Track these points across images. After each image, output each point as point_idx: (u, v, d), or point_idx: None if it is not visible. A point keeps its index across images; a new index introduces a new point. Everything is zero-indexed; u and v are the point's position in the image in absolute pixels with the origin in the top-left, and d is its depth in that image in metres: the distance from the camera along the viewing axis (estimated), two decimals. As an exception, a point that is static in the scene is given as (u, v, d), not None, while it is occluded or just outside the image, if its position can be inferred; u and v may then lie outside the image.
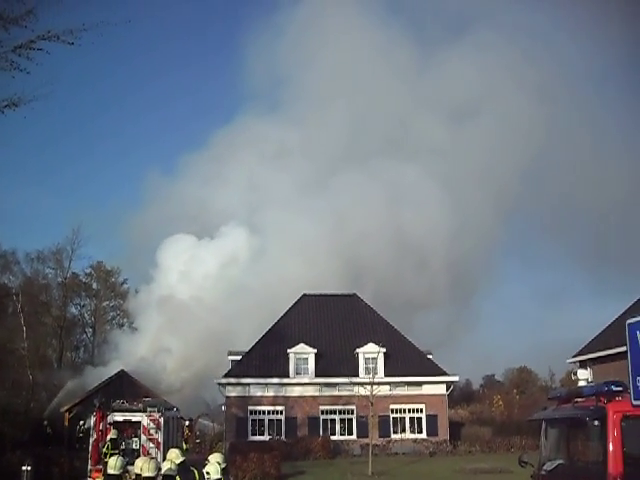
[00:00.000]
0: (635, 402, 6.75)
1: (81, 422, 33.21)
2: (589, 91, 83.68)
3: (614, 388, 9.58)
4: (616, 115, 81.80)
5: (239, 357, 45.29)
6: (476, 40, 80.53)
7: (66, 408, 41.68)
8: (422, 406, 44.02)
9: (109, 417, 23.82)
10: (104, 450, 22.08)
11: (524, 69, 79.06)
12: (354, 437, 43.11)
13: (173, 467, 10.02)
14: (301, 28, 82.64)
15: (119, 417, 24.12)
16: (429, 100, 78.80)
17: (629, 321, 7.23)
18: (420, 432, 43.79)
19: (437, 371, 44.64)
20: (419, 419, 44.10)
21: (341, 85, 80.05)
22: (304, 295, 49.58)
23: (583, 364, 38.93)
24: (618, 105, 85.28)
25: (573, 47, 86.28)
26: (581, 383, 18.78)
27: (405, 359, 45.12)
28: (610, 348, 31.99)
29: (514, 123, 74.74)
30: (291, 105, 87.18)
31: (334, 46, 78.95)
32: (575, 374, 24.76)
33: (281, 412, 43.51)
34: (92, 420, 24.17)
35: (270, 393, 43.56)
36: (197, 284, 56.26)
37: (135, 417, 24.37)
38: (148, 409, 24.57)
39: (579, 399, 10.65)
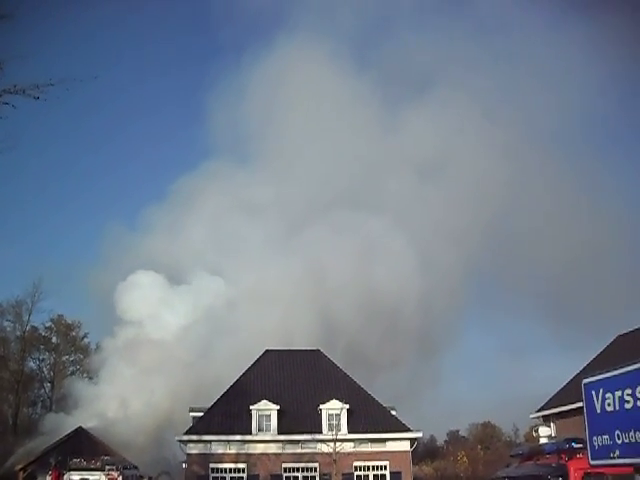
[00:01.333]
0: (593, 462, 6.85)
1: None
2: (555, 151, 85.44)
3: (574, 445, 9.69)
4: (579, 177, 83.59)
5: (201, 414, 44.52)
6: (441, 98, 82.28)
7: (20, 467, 40.41)
8: (386, 463, 43.51)
9: (65, 476, 23.28)
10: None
11: (489, 128, 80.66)
12: (318, 495, 42.37)
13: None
14: (267, 83, 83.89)
15: (76, 476, 23.60)
16: (396, 156, 79.90)
17: (585, 381, 7.38)
18: (384, 490, 43.22)
19: (401, 427, 44.31)
20: (383, 476, 43.53)
21: (309, 140, 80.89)
22: (267, 351, 49.20)
23: (546, 419, 39.16)
24: (581, 166, 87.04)
25: (538, 106, 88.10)
26: (543, 440, 18.81)
27: (369, 415, 44.77)
28: (572, 403, 32.33)
29: (478, 182, 76.04)
30: (259, 159, 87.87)
31: (301, 101, 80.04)
32: (536, 431, 24.79)
33: (243, 470, 42.66)
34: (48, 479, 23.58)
35: (232, 450, 42.74)
36: (160, 337, 55.56)
37: (93, 476, 23.89)
38: (106, 468, 24.11)
39: (541, 456, 10.72)
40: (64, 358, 71.06)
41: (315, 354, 49.56)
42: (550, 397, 40.85)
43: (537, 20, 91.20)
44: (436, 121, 79.06)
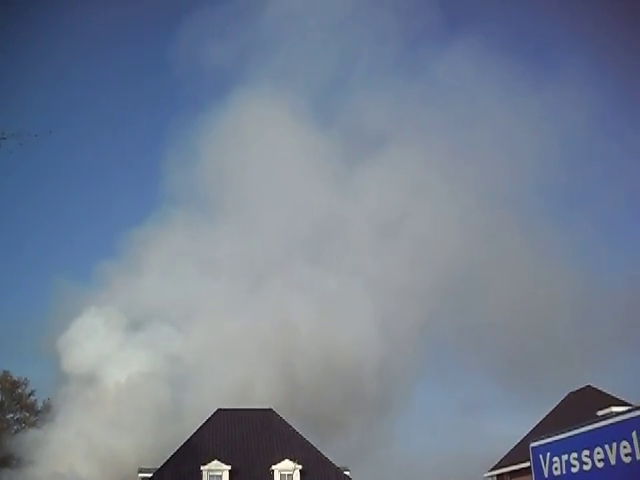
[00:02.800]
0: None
1: None
2: (510, 213, 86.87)
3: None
4: (532, 238, 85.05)
5: (150, 474, 43.41)
6: (399, 157, 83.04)
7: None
8: (339, 525, 42.83)
9: None
10: None
11: (446, 189, 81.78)
12: None
13: None
14: (225, 139, 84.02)
15: None
16: (356, 214, 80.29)
17: (532, 444, 7.40)
18: None
19: (354, 488, 43.77)
20: (336, 538, 42.79)
21: (269, 196, 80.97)
22: (219, 410, 48.42)
23: (500, 478, 39.10)
24: (535, 228, 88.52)
25: (494, 169, 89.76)
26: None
27: (322, 476, 44.09)
28: (523, 462, 32.33)
29: (436, 242, 76.82)
30: (218, 214, 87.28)
31: (261, 156, 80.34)
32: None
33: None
34: None
35: (182, 513, 41.66)
36: (108, 392, 54.55)
37: None
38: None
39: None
40: (9, 416, 68.76)
41: (268, 413, 48.89)
42: (504, 455, 40.85)
43: (494, 84, 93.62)
44: (394, 181, 79.96)
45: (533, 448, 7.05)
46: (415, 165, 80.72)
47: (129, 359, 57.50)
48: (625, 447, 7.39)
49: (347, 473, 45.54)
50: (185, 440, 45.57)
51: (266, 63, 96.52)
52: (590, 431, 7.33)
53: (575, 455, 6.85)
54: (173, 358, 59.03)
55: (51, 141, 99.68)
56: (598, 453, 7.25)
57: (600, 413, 32.64)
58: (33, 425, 63.44)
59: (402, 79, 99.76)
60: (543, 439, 7.29)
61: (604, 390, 41.88)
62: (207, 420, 47.54)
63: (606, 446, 7.26)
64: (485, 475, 42.09)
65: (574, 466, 6.83)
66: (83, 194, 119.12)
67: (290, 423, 48.51)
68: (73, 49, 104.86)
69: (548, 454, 7.19)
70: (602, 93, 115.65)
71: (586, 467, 6.91)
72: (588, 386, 43.41)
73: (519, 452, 37.08)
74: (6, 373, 68.14)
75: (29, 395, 69.71)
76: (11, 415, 69.19)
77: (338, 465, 45.84)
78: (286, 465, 42.39)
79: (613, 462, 7.28)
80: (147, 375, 56.12)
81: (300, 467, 41.27)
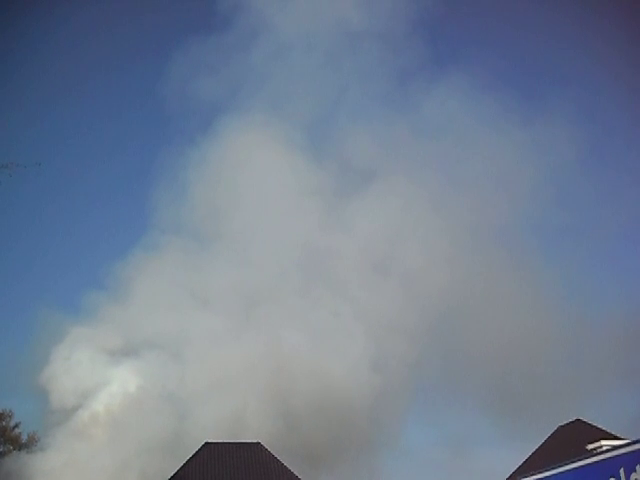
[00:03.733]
0: None
1: None
2: (502, 246, 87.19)
3: None
4: (522, 272, 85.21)
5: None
6: (391, 191, 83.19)
7: None
8: None
9: None
10: None
11: (439, 223, 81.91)
12: None
13: None
14: (217, 170, 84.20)
15: None
16: (349, 247, 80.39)
17: (520, 482, 7.33)
18: None
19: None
20: None
21: (261, 227, 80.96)
22: (206, 443, 47.90)
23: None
24: (525, 262, 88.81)
25: (487, 202, 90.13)
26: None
27: (310, 511, 43.62)
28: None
29: (428, 277, 76.84)
30: (210, 243, 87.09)
31: (255, 186, 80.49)
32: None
33: None
34: None
35: None
36: (95, 425, 54.07)
37: None
38: None
39: None
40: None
41: (256, 447, 48.39)
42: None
43: (483, 119, 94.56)
44: (384, 214, 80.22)
45: (521, 485, 6.98)
46: (405, 199, 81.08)
47: (116, 391, 57.08)
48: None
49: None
50: (171, 474, 45.01)
51: (256, 97, 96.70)
52: (576, 468, 7.27)
53: (562, 493, 6.78)
54: (162, 390, 58.60)
55: (40, 173, 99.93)
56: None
57: (590, 447, 32.56)
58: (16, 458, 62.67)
59: (391, 113, 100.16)
60: (531, 476, 7.23)
61: (594, 423, 41.83)
62: (194, 454, 46.96)
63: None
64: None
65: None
66: (72, 226, 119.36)
67: (279, 457, 48.04)
68: (62, 82, 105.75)
69: (535, 492, 7.12)
70: (592, 127, 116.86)
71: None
72: (578, 420, 43.35)
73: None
74: (-11, 406, 67.44)
75: (14, 427, 68.93)
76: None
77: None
78: (274, 500, 41.91)
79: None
80: (135, 407, 55.66)
81: (288, 502, 40.78)
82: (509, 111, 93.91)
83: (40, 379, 66.18)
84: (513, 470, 39.35)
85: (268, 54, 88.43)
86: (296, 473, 46.82)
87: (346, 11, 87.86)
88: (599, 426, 41.47)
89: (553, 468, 6.81)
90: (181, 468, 45.44)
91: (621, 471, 7.57)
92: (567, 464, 6.71)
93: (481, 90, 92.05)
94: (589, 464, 7.54)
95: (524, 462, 40.14)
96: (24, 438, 65.50)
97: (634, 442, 8.77)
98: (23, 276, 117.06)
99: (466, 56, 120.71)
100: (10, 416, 68.49)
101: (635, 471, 7.56)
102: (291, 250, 76.97)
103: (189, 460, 46.24)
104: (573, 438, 39.83)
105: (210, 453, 47.24)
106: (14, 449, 65.51)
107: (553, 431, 44.07)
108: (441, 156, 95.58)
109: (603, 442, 35.44)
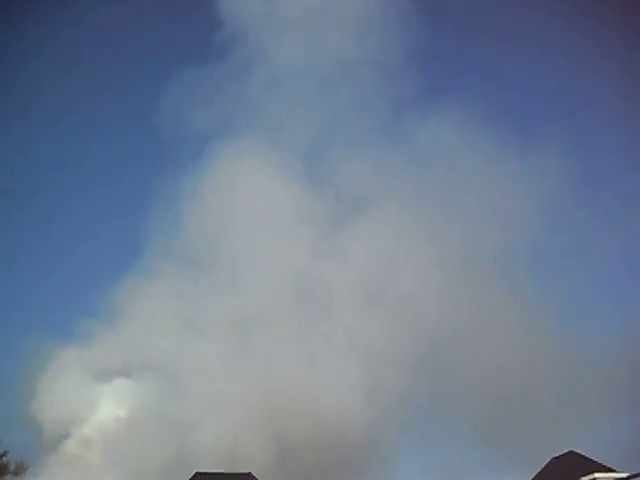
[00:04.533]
0: None
1: None
2: (496, 276, 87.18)
3: None
4: (515, 303, 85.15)
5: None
6: (385, 221, 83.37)
7: None
8: None
9: None
10: None
11: (433, 253, 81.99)
12: None
13: None
14: (211, 195, 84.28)
15: None
16: (343, 277, 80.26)
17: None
18: None
19: None
20: None
21: (255, 254, 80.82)
22: (197, 473, 47.47)
23: None
24: (519, 292, 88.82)
25: (481, 233, 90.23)
26: None
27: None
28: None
29: (422, 307, 76.70)
30: (203, 270, 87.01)
31: (249, 213, 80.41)
32: None
33: None
34: None
35: None
36: (85, 451, 53.75)
37: None
38: None
39: None
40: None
41: (246, 477, 48.00)
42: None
43: (477, 149, 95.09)
44: (378, 243, 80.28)
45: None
46: (399, 228, 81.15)
47: (107, 419, 56.79)
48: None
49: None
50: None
51: (251, 125, 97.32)
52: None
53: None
54: (154, 417, 58.20)
55: (32, 200, 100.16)
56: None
57: (584, 479, 32.32)
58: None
59: (386, 142, 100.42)
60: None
61: (588, 455, 41.54)
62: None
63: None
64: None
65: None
66: (65, 254, 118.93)
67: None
68: (58, 110, 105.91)
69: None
70: (586, 154, 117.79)
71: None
72: (571, 451, 43.07)
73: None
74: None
75: (1, 456, 68.14)
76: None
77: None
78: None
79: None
80: (126, 435, 55.34)
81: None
82: (503, 141, 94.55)
83: (30, 407, 65.86)
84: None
85: (263, 83, 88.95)
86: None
87: (341, 40, 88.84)
88: (593, 458, 41.17)
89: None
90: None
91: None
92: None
93: (475, 120, 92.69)
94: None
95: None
96: (12, 466, 64.84)
97: (629, 477, 8.62)
98: (19, 303, 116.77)
99: (460, 86, 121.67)
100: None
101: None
102: (284, 278, 76.82)
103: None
104: (567, 470, 39.53)
105: (201, 483, 46.87)
106: (1, 477, 64.76)
107: (547, 462, 43.77)
108: (435, 185, 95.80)
109: (597, 475, 35.22)
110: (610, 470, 38.39)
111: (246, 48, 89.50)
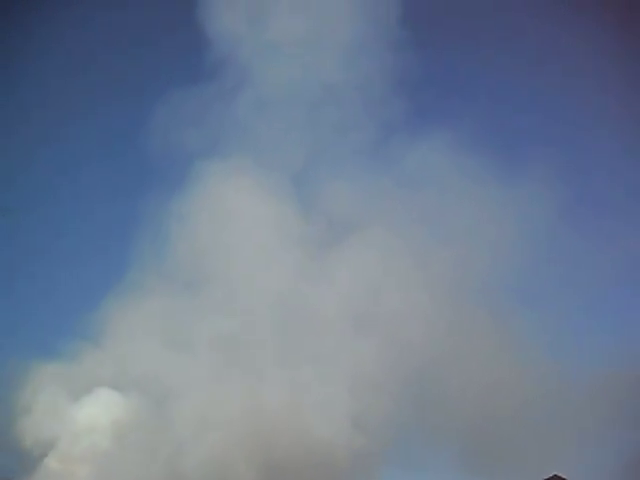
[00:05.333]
0: None
1: None
2: (484, 302, 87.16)
3: None
4: (502, 329, 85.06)
5: None
6: (374, 244, 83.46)
7: None
8: None
9: None
10: None
11: (422, 278, 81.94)
12: None
13: None
14: (197, 216, 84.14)
15: None
16: (326, 300, 79.92)
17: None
18: None
19: None
20: None
21: (243, 276, 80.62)
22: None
23: None
24: (506, 319, 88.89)
25: (469, 259, 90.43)
26: None
27: None
28: None
29: (406, 331, 76.59)
30: (188, 291, 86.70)
31: (237, 234, 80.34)
32: None
33: None
34: None
35: None
36: (72, 473, 53.48)
37: None
38: None
39: None
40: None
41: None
42: None
43: (464, 175, 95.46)
44: (367, 267, 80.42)
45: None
46: (386, 252, 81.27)
47: (92, 436, 56.61)
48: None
49: None
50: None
51: (239, 148, 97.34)
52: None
53: None
54: (140, 437, 58.07)
55: (19, 220, 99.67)
56: None
57: (566, 503, 32.20)
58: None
59: (374, 165, 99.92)
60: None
61: (570, 480, 41.55)
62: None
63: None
64: None
65: None
66: (51, 274, 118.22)
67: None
68: (42, 133, 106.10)
69: None
70: (576, 179, 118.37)
71: None
72: (555, 475, 43.05)
73: None
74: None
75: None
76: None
77: None
78: None
79: None
80: (111, 456, 55.23)
81: None
82: (493, 164, 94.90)
83: (11, 426, 65.43)
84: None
85: (252, 105, 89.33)
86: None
87: (330, 64, 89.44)
88: (577, 482, 41.18)
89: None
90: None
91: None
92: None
93: (465, 143, 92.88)
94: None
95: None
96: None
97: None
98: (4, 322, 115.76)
99: (450, 109, 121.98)
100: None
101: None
102: (271, 299, 76.87)
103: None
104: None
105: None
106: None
107: (531, 486, 43.68)
108: (424, 209, 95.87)
109: (580, 498, 35.06)
110: (594, 494, 38.36)
111: (235, 70, 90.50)
